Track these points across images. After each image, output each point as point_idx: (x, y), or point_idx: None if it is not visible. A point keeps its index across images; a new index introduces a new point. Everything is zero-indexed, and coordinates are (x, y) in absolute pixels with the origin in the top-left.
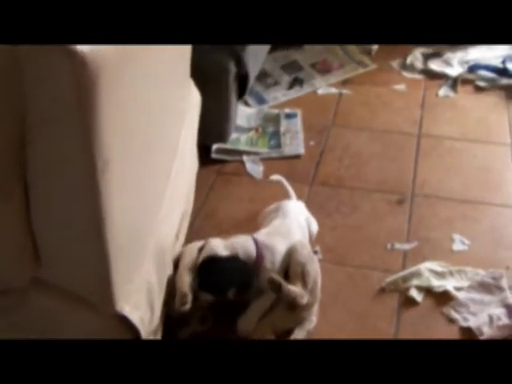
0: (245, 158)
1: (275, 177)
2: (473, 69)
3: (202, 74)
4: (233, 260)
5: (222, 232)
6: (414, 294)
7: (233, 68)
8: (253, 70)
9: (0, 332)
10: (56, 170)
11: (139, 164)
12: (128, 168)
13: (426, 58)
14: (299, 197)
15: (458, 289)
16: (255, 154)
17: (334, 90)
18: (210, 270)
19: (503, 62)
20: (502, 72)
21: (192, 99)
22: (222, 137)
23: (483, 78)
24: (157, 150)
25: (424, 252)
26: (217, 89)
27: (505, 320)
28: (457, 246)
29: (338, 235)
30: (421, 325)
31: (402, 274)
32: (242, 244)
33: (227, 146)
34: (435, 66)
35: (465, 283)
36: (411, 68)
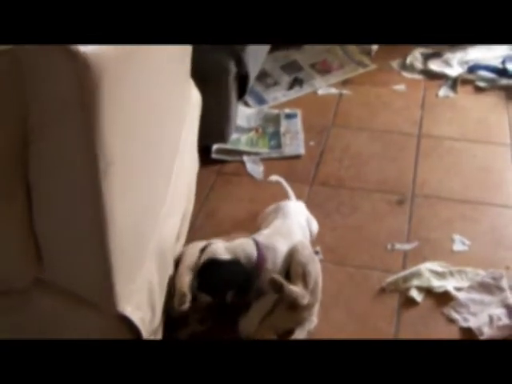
0: (245, 158)
1: (274, 177)
2: (472, 69)
3: (202, 74)
4: (233, 264)
5: (222, 232)
6: (415, 294)
7: (233, 68)
8: (253, 70)
9: (2, 332)
10: (58, 170)
11: (141, 165)
12: (130, 169)
13: (426, 58)
14: (299, 197)
15: (459, 289)
16: (255, 154)
17: (333, 91)
18: (210, 273)
19: (503, 62)
20: (502, 72)
21: (192, 99)
22: (223, 137)
23: (483, 79)
24: (158, 151)
25: (424, 252)
26: (217, 89)
27: (505, 320)
28: (457, 247)
29: (338, 235)
30: (421, 325)
31: (402, 274)
32: (243, 246)
33: (227, 146)
34: (435, 66)
35: (465, 283)
36: (411, 68)
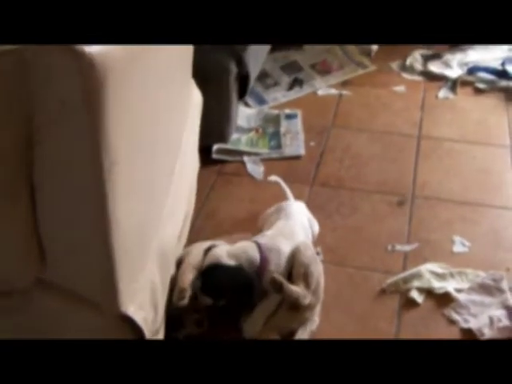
0: (245, 158)
1: (273, 177)
2: (472, 71)
3: (203, 75)
4: (235, 269)
5: (222, 232)
6: (415, 295)
7: (234, 68)
8: (253, 71)
9: (4, 332)
10: (63, 170)
11: (145, 165)
12: (134, 169)
13: (426, 59)
14: (299, 198)
15: (459, 290)
16: (256, 154)
17: (333, 91)
18: (212, 277)
19: (502, 64)
20: (502, 74)
21: (194, 99)
22: (223, 137)
23: (482, 80)
24: (161, 151)
25: (424, 253)
26: (218, 89)
27: (505, 322)
28: (457, 248)
29: (338, 236)
30: (421, 326)
31: (402, 275)
32: (246, 250)
33: (228, 146)
34: (435, 67)
35: (465, 285)
36: (411, 69)
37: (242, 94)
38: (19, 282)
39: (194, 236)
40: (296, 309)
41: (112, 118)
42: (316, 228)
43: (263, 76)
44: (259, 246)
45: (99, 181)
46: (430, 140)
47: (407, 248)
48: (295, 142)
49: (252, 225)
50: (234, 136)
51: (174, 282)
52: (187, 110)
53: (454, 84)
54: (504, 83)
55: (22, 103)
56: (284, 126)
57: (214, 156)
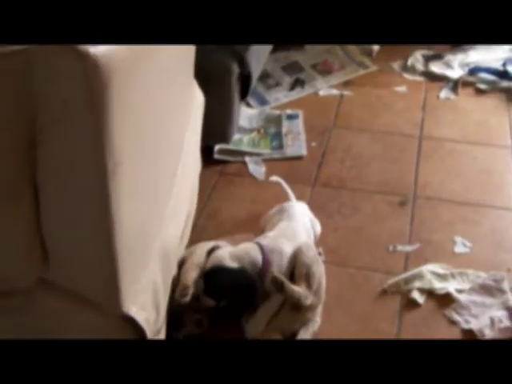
0: (247, 158)
1: (274, 178)
2: (473, 71)
3: (205, 75)
4: (238, 271)
5: (224, 232)
6: (416, 295)
7: (236, 68)
8: (255, 71)
9: (6, 332)
10: (66, 171)
11: (148, 165)
12: (137, 169)
13: (427, 59)
14: (301, 198)
15: (460, 291)
16: (257, 154)
17: (335, 92)
18: (215, 279)
19: (504, 64)
20: (503, 75)
21: (196, 100)
22: (225, 137)
23: (484, 81)
24: (164, 151)
25: (426, 254)
26: (220, 89)
27: (506, 322)
28: (458, 249)
29: (339, 236)
30: (422, 327)
31: (403, 275)
32: (248, 251)
33: (230, 146)
34: (436, 68)
35: (466, 285)
36: (412, 70)
37: (243, 94)
38: (22, 282)
39: (195, 236)
40: (298, 309)
41: (116, 118)
42: (318, 228)
43: (265, 76)
44: (261, 248)
45: (103, 181)
46: (431, 140)
47: (408, 248)
48: (297, 143)
49: (254, 225)
50: (236, 136)
51: (175, 283)
52: (189, 111)
53: (455, 84)
54: (505, 84)
55: (26, 103)
56: (285, 126)
57: (216, 156)
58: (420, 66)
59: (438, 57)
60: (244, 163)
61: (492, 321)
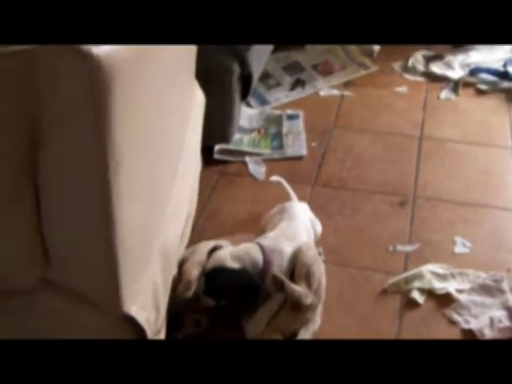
0: (247, 158)
1: (275, 178)
2: (474, 72)
3: (205, 75)
4: (239, 271)
5: (224, 233)
6: (416, 295)
7: (236, 68)
8: (256, 71)
9: (7, 332)
10: (67, 171)
11: (149, 165)
12: (139, 170)
13: (428, 60)
14: (301, 198)
15: (460, 291)
16: (258, 154)
17: (335, 92)
18: (216, 280)
19: (504, 65)
20: (503, 75)
21: (197, 100)
22: (225, 137)
23: (484, 81)
24: (165, 151)
25: (426, 254)
26: (220, 89)
27: (506, 322)
28: (458, 249)
29: (340, 237)
30: (422, 326)
31: (403, 275)
32: (249, 252)
33: (230, 146)
34: (437, 68)
35: (466, 285)
36: (413, 70)
37: (244, 94)
38: (22, 282)
39: (195, 236)
40: (298, 309)
41: (118, 118)
42: (319, 228)
43: (265, 76)
44: (262, 248)
45: (104, 181)
46: (431, 141)
47: (408, 248)
48: (297, 143)
49: (254, 225)
50: (236, 136)
51: (176, 282)
52: (190, 111)
53: (455, 85)
54: (506, 84)
55: (29, 103)
56: (286, 126)
57: (216, 156)
58: (421, 67)
59: (438, 57)
60: (244, 163)
61: (492, 321)
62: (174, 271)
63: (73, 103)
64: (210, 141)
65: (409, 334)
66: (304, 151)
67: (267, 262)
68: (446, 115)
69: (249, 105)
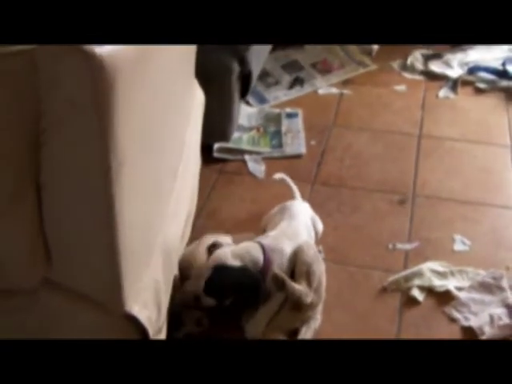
0: (247, 157)
1: (278, 175)
2: (473, 70)
3: (205, 74)
4: (240, 270)
5: (224, 232)
6: (416, 293)
7: (236, 67)
8: (255, 70)
9: (9, 331)
10: (70, 171)
11: (151, 165)
12: (140, 169)
13: (427, 59)
14: (300, 196)
15: (459, 289)
16: (257, 153)
17: (334, 90)
18: (217, 278)
19: (503, 64)
20: (502, 74)
21: (197, 99)
22: (225, 136)
23: (483, 80)
24: (166, 151)
25: (425, 252)
26: (220, 88)
27: (505, 320)
28: (458, 247)
29: (339, 235)
30: (422, 324)
31: (403, 273)
32: (249, 250)
33: (229, 145)
34: (435, 67)
35: (466, 283)
36: (412, 69)
37: (243, 93)
38: (25, 282)
39: (195, 235)
40: (298, 309)
41: (120, 118)
42: (320, 227)
43: (264, 75)
44: (263, 247)
45: (106, 181)
46: (430, 139)
47: (408, 247)
48: (296, 141)
49: (253, 224)
50: (236, 135)
51: (176, 281)
52: (190, 110)
53: (454, 84)
54: (504, 83)
55: (31, 103)
56: (285, 124)
57: (216, 155)
58: (419, 65)
59: (437, 56)
60: (243, 162)
61: (491, 318)
62: (174, 270)
63: (75, 103)
64: (209, 139)
65: (409, 332)
66: (303, 149)
67: (268, 260)
68: (444, 114)
69: (248, 103)
